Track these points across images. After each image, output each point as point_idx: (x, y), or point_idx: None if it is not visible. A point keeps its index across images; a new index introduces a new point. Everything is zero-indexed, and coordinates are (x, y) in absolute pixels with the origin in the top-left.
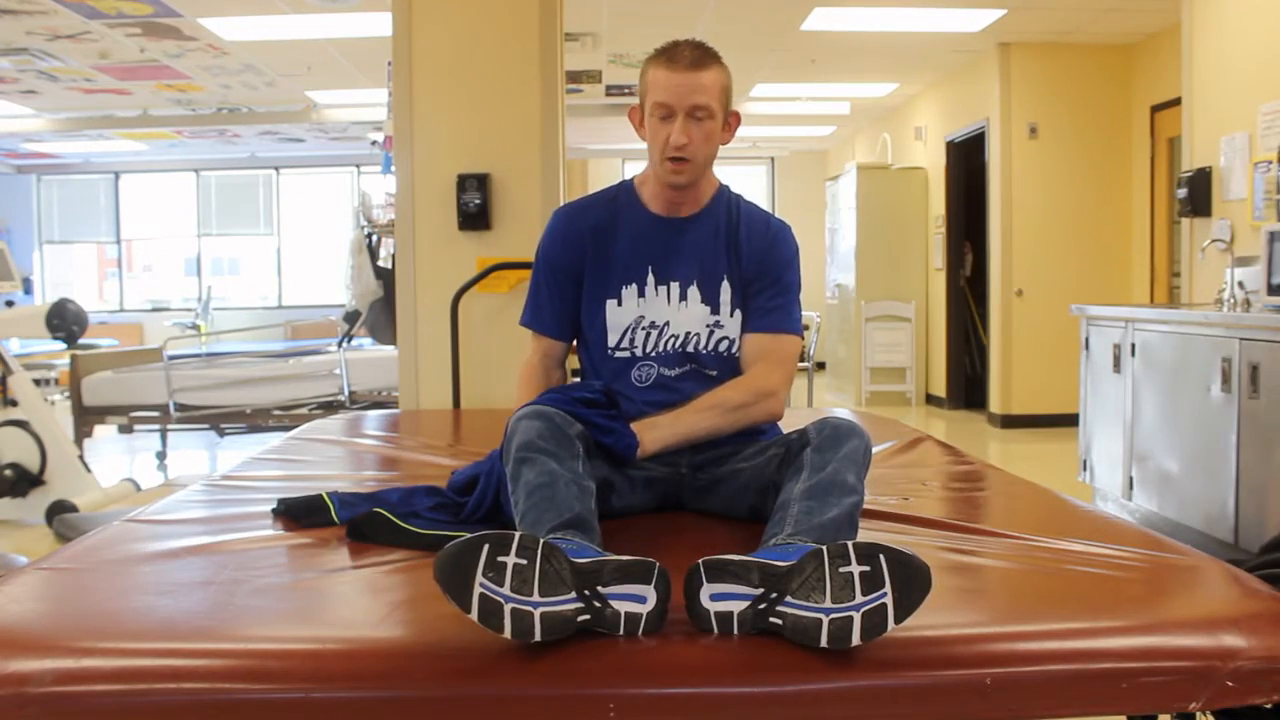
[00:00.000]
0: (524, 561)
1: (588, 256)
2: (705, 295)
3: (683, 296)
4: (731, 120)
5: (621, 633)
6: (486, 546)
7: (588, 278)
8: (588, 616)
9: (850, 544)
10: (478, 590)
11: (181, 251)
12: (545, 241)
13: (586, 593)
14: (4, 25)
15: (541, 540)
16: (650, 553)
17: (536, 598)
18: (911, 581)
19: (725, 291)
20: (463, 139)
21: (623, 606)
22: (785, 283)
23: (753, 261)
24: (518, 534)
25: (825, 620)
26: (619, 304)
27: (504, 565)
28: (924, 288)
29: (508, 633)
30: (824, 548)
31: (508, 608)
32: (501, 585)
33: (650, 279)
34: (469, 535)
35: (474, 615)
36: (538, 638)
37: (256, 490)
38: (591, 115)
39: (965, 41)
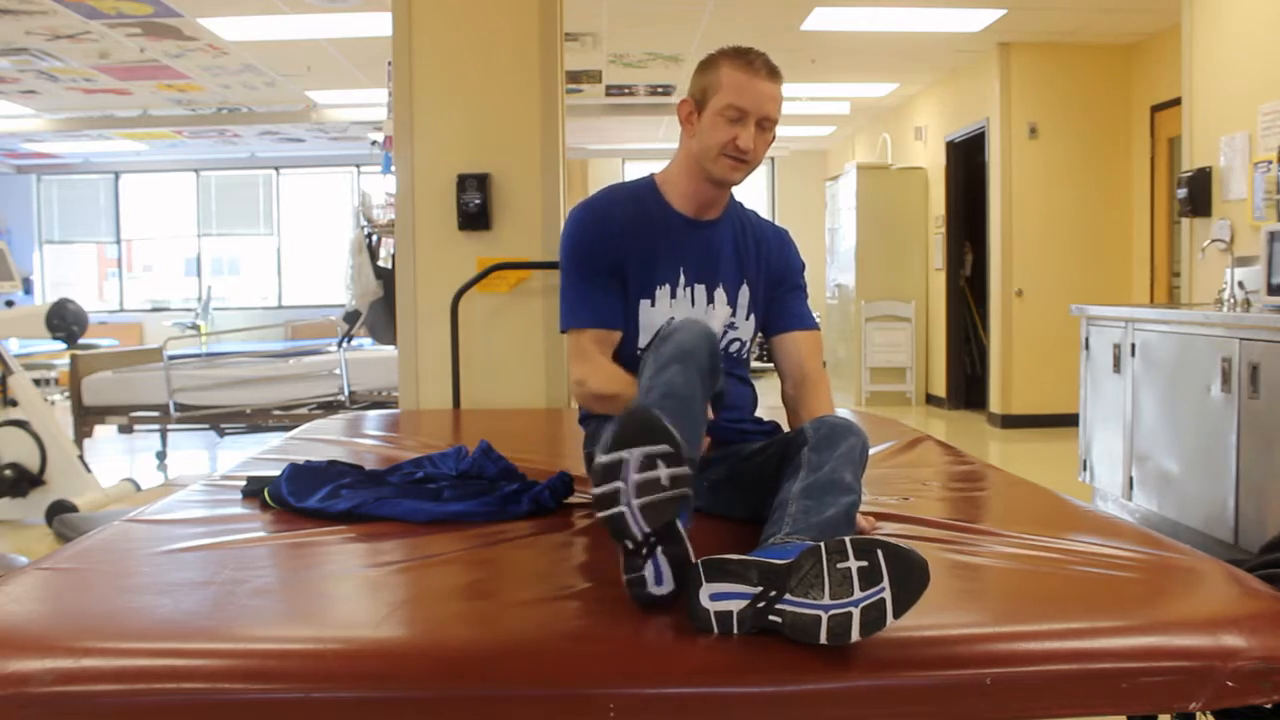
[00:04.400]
0: (667, 485)
1: (626, 251)
2: (730, 298)
3: (709, 299)
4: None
5: (647, 588)
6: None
7: (629, 269)
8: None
9: (848, 540)
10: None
11: (181, 251)
12: (577, 237)
13: (655, 541)
14: (4, 25)
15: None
16: None
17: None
18: (909, 576)
19: (744, 294)
20: (463, 139)
21: (653, 572)
22: (803, 286)
23: (777, 268)
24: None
25: (824, 616)
26: (653, 304)
27: (656, 479)
28: (924, 288)
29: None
30: (821, 544)
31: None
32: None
33: (681, 280)
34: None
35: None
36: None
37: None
38: (591, 115)
39: (965, 41)
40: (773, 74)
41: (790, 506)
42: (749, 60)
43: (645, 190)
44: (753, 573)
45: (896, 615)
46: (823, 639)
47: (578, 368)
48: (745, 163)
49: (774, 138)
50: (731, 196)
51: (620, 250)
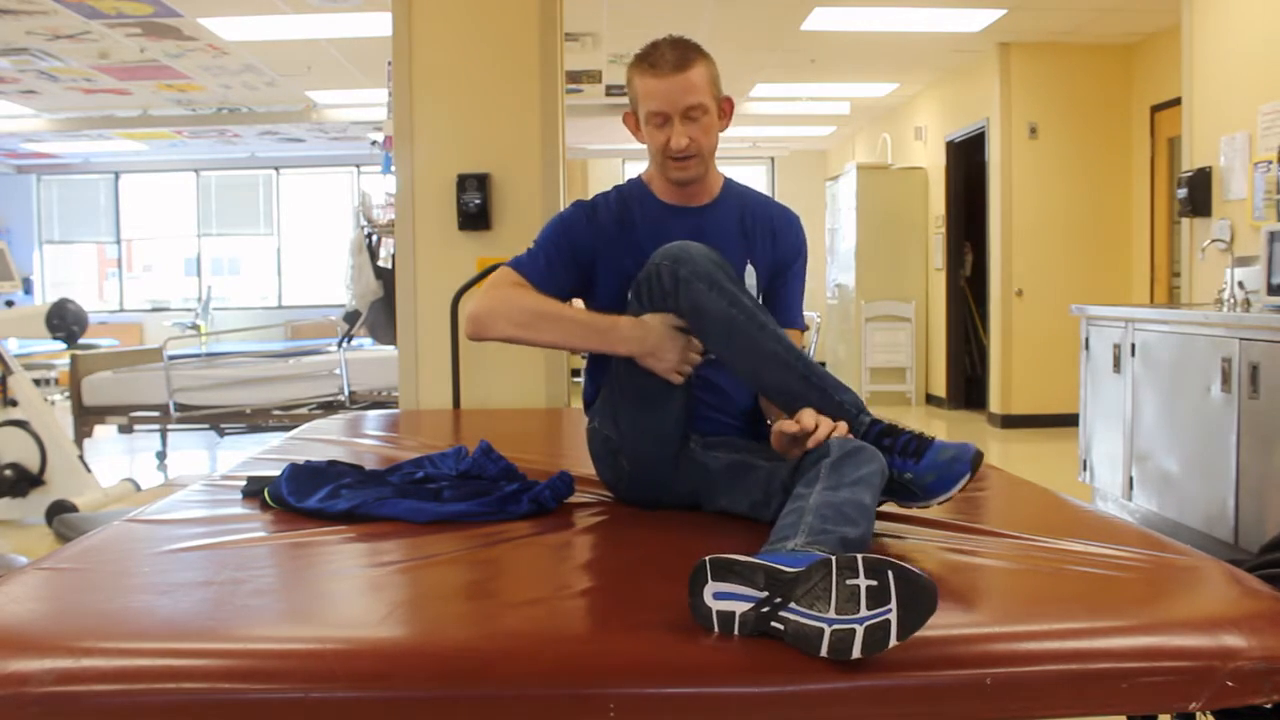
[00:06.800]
0: None
1: (609, 244)
2: None
3: None
4: (725, 107)
5: None
6: None
7: (603, 267)
8: None
9: (860, 557)
10: None
11: (181, 251)
12: (569, 215)
13: None
14: (4, 25)
15: None
16: (656, 549)
17: None
18: (917, 600)
19: (750, 275)
20: (463, 139)
21: None
22: (802, 275)
23: (784, 250)
24: None
25: (827, 630)
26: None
27: None
28: (924, 288)
29: None
30: (833, 558)
31: None
32: None
33: None
34: None
35: None
36: None
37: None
38: (591, 115)
39: (965, 41)
40: (681, 64)
41: (808, 516)
42: (653, 62)
43: (631, 186)
44: (760, 577)
45: (900, 639)
46: (823, 652)
47: (487, 290)
48: (688, 158)
49: (726, 118)
50: (729, 180)
51: (602, 242)
